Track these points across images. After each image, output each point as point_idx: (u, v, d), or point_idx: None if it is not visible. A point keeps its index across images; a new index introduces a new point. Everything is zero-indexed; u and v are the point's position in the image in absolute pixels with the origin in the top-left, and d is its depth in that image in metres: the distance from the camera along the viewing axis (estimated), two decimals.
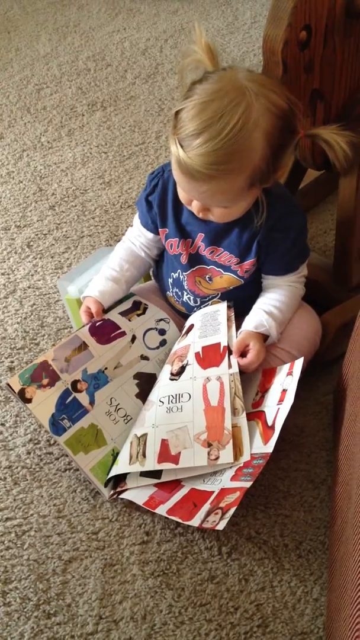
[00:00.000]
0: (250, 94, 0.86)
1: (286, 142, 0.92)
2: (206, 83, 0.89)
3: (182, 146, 0.87)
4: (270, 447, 0.91)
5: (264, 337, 1.03)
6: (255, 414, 0.98)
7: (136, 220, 1.14)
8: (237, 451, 0.94)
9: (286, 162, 0.95)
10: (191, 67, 0.94)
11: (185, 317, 1.13)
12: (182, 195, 0.99)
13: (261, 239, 1.00)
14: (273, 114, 0.88)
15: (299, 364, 0.97)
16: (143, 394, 1.07)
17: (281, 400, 0.95)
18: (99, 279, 1.13)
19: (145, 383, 1.08)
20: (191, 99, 0.88)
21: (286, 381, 0.97)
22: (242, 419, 0.96)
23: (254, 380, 1.03)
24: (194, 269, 1.08)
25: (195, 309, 1.11)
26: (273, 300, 1.05)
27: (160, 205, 1.06)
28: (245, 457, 0.93)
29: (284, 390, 0.95)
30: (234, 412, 0.97)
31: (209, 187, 0.90)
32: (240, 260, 1.04)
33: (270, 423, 0.94)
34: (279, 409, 0.94)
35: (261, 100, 0.87)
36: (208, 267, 1.07)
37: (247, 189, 0.92)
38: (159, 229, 1.09)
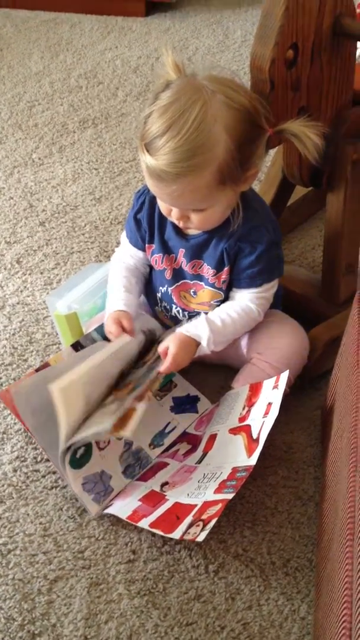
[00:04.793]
0: (207, 90, 0.90)
1: (251, 137, 0.93)
2: (168, 90, 0.92)
3: (148, 151, 0.91)
4: (253, 460, 0.91)
5: (195, 342, 1.03)
6: (241, 428, 0.98)
7: (125, 242, 1.14)
8: (121, 425, 0.96)
9: (255, 161, 0.95)
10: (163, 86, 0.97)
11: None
12: (161, 206, 1.01)
13: (228, 247, 1.01)
14: (232, 108, 0.90)
15: (284, 377, 0.97)
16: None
17: (266, 414, 0.94)
18: (116, 293, 1.10)
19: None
20: (154, 104, 0.92)
21: (272, 394, 0.96)
22: (141, 406, 0.98)
23: (242, 395, 1.03)
24: (178, 283, 1.09)
25: (184, 322, 1.11)
26: (220, 311, 1.05)
27: (149, 221, 1.07)
28: (126, 433, 0.94)
29: (270, 404, 0.95)
30: (139, 398, 0.99)
31: (177, 186, 0.91)
32: (216, 272, 1.04)
33: (255, 436, 0.94)
34: (264, 422, 0.94)
35: (218, 95, 0.90)
36: (191, 282, 1.08)
37: (217, 187, 0.93)
38: (146, 245, 1.09)
